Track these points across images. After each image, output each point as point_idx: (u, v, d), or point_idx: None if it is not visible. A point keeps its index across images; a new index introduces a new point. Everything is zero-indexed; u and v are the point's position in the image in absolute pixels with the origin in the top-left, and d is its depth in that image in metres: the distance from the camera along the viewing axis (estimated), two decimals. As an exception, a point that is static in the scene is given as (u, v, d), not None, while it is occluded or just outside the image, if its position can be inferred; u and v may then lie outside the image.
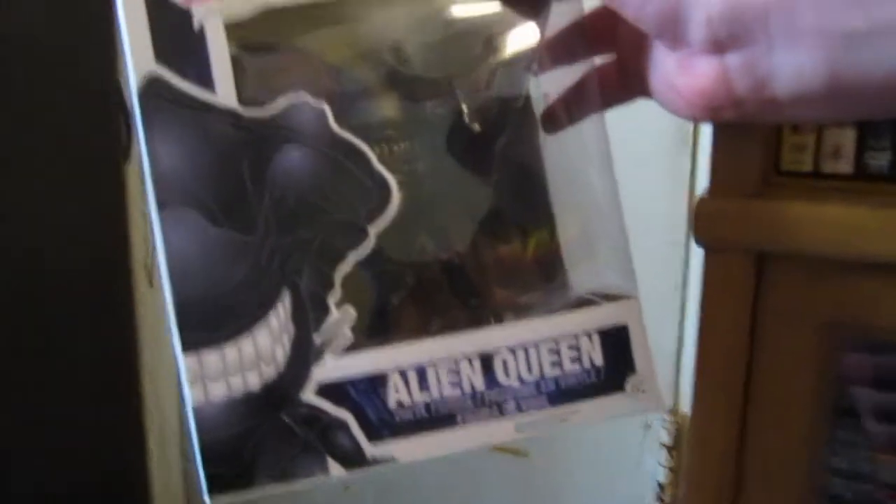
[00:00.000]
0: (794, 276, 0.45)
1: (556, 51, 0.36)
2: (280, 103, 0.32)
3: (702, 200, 0.45)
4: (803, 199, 0.44)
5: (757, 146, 0.45)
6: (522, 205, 0.37)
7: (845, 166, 0.46)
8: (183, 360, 0.31)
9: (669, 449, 1.17)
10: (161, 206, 0.31)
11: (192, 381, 0.31)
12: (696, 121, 0.30)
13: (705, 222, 0.45)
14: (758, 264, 0.45)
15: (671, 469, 1.18)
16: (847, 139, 0.46)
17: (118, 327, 1.13)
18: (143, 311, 1.17)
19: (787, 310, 0.45)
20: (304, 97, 0.32)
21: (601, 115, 0.36)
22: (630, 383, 0.33)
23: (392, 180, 0.32)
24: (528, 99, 0.37)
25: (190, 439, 0.32)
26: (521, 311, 0.34)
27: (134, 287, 1.13)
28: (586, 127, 0.36)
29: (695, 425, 0.49)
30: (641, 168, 1.05)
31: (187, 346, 0.31)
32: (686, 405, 1.16)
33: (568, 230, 0.37)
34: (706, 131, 0.91)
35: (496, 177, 0.37)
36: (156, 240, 0.32)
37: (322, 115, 0.32)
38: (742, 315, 0.46)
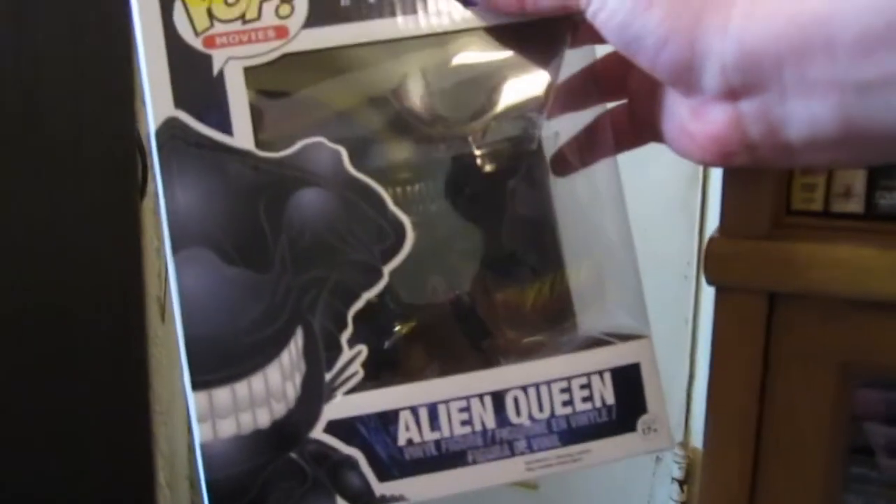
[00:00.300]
0: (807, 315, 0.45)
1: (568, 96, 0.37)
2: (296, 145, 0.32)
3: (712, 240, 0.45)
4: (814, 239, 0.44)
5: (768, 186, 0.45)
6: (533, 248, 0.38)
7: (856, 206, 0.46)
8: (193, 399, 0.31)
9: (680, 483, 1.15)
10: (177, 246, 0.32)
11: (202, 418, 0.31)
12: (709, 165, 0.30)
13: (716, 262, 0.45)
14: (770, 304, 0.45)
15: (682, 503, 1.16)
16: (857, 179, 0.46)
17: (130, 361, 1.14)
18: (155, 345, 1.17)
19: (799, 349, 0.45)
20: (320, 139, 0.33)
21: (614, 158, 0.36)
22: (642, 423, 0.33)
23: (407, 221, 0.32)
24: (539, 143, 0.37)
25: (198, 475, 0.32)
26: (531, 353, 0.34)
27: (147, 322, 1.14)
28: (598, 170, 0.36)
29: (707, 464, 0.48)
30: (652, 204, 1.06)
31: (198, 384, 0.31)
32: (697, 439, 1.15)
33: (579, 274, 0.37)
34: (717, 170, 0.92)
35: (507, 220, 0.37)
36: (170, 279, 0.32)
37: (338, 156, 0.33)
38: (754, 354, 0.46)
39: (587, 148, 0.38)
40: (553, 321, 0.36)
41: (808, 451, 0.46)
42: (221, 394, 0.31)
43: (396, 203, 0.33)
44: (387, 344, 0.33)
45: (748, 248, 0.45)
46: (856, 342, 0.44)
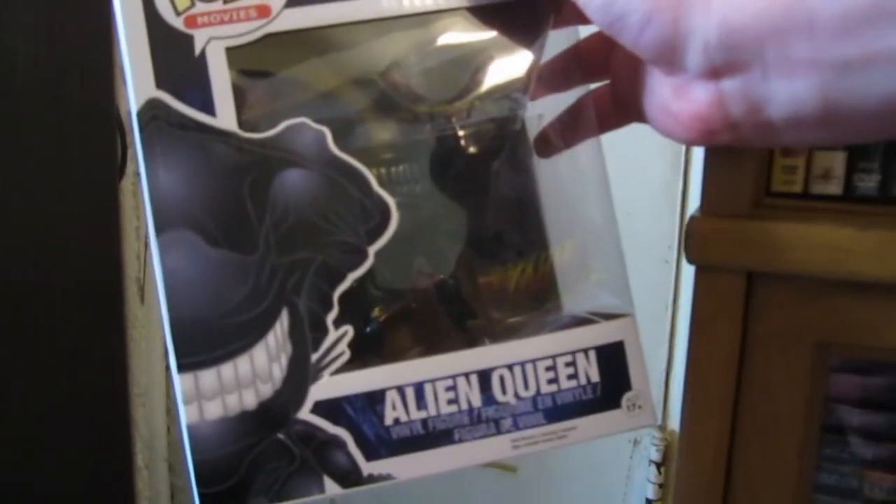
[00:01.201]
0: (784, 295, 0.45)
1: (552, 77, 0.37)
2: (279, 126, 0.32)
3: (693, 220, 0.46)
4: (793, 220, 0.45)
5: (748, 168, 0.46)
6: (518, 229, 0.38)
7: (835, 188, 0.47)
8: (179, 381, 0.31)
9: (658, 465, 1.17)
10: (160, 228, 0.31)
11: (188, 400, 0.31)
12: (692, 144, 0.30)
13: (697, 242, 0.46)
14: (748, 283, 0.46)
15: (660, 485, 1.18)
16: (837, 161, 0.46)
17: (109, 343, 1.12)
18: (134, 327, 1.16)
19: (776, 329, 0.46)
20: (304, 120, 0.32)
21: (597, 139, 0.36)
22: (626, 400, 0.33)
23: (392, 202, 0.32)
24: (523, 123, 0.37)
25: (182, 457, 0.31)
26: (516, 332, 0.34)
27: (126, 304, 1.12)
28: (582, 150, 0.36)
29: (685, 442, 0.49)
30: (634, 189, 1.06)
31: (184, 366, 0.31)
32: (675, 422, 1.16)
33: (563, 254, 0.37)
34: (699, 153, 0.93)
35: (491, 200, 0.37)
36: (153, 261, 0.32)
37: (322, 137, 0.32)
38: (732, 333, 0.47)
39: (570, 129, 0.38)
40: (537, 301, 0.37)
41: (784, 429, 0.47)
42: (207, 375, 0.31)
43: (381, 184, 0.33)
44: (369, 329, 0.33)
45: (728, 227, 0.45)
46: (832, 322, 0.45)
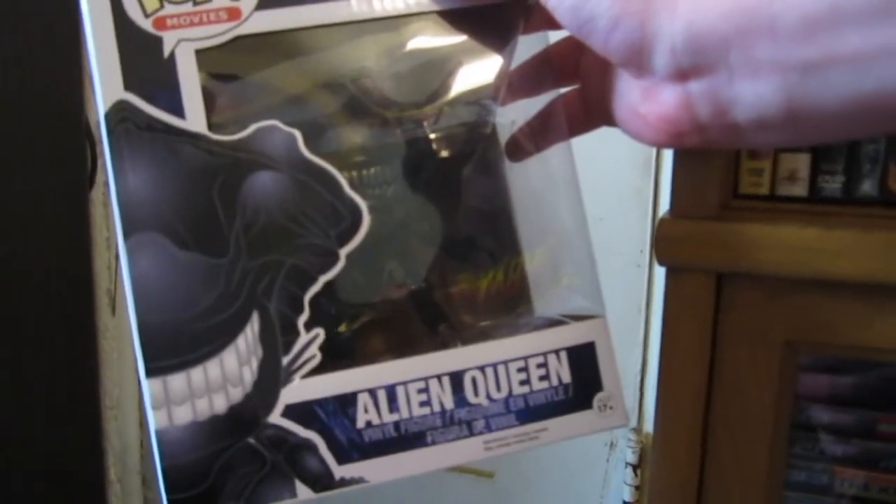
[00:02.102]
0: (753, 295, 0.46)
1: (522, 82, 0.37)
2: (250, 129, 0.32)
3: (663, 222, 0.46)
4: (760, 221, 0.45)
5: (716, 171, 0.46)
6: (490, 233, 0.38)
7: (800, 189, 0.47)
8: (147, 386, 0.30)
9: (634, 468, 1.17)
10: (128, 231, 0.31)
11: (157, 405, 0.30)
12: (661, 147, 0.31)
13: (667, 243, 0.46)
14: (718, 284, 0.46)
15: (636, 487, 1.18)
16: (802, 164, 0.47)
17: (80, 354, 1.11)
18: (105, 338, 1.15)
19: (746, 328, 0.46)
20: (274, 123, 0.32)
21: (568, 142, 0.36)
22: (598, 400, 0.33)
23: (363, 205, 0.32)
24: (494, 128, 0.37)
25: (153, 466, 0.31)
26: (488, 335, 0.34)
27: (96, 315, 1.11)
28: (552, 155, 0.36)
29: (658, 442, 0.49)
30: (605, 194, 1.07)
31: (152, 371, 0.31)
32: (650, 425, 1.17)
33: (534, 259, 0.37)
34: (669, 158, 0.93)
35: (463, 205, 0.37)
36: (122, 265, 0.31)
37: (292, 139, 0.32)
38: (703, 333, 0.47)
39: (541, 133, 0.38)
40: (508, 307, 0.37)
41: (755, 428, 0.47)
42: (176, 380, 0.31)
43: (352, 186, 0.33)
44: (344, 327, 0.33)
45: (697, 229, 0.46)
46: (801, 321, 0.46)
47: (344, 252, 0.32)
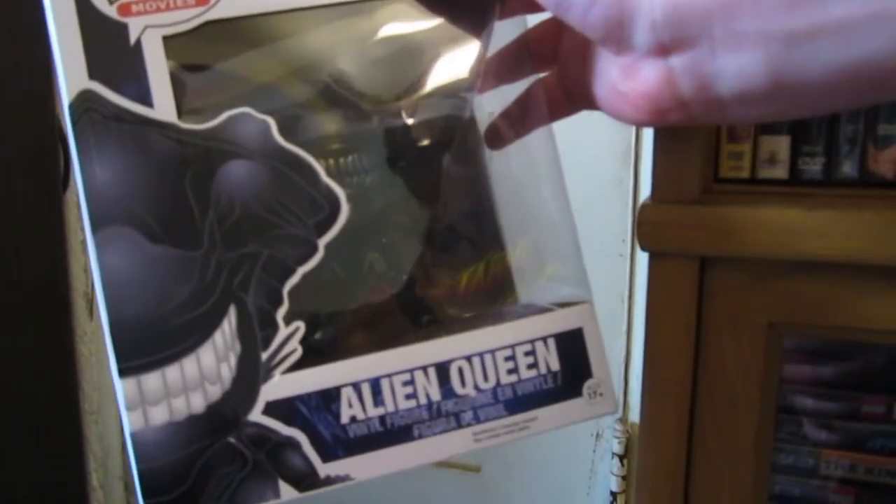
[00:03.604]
0: (736, 278, 0.45)
1: (501, 68, 0.36)
2: (221, 116, 0.30)
3: (645, 207, 0.46)
4: (742, 205, 0.45)
5: (696, 155, 0.45)
6: (472, 223, 0.37)
7: (781, 172, 0.47)
8: (121, 386, 0.29)
9: (621, 458, 1.17)
10: (97, 224, 0.29)
11: (131, 406, 0.29)
12: (644, 125, 0.29)
13: (648, 228, 0.45)
14: (701, 268, 0.46)
15: (623, 478, 1.18)
16: (782, 146, 0.47)
17: (58, 359, 1.08)
18: (84, 343, 1.12)
19: (730, 312, 0.46)
20: (247, 110, 0.31)
21: (549, 128, 0.35)
22: (587, 388, 0.32)
23: (341, 193, 0.31)
24: (472, 115, 0.36)
25: (130, 467, 0.29)
26: (474, 325, 0.33)
27: (74, 319, 1.08)
28: (534, 141, 0.35)
29: (645, 429, 0.49)
30: (585, 184, 1.06)
31: (126, 371, 0.29)
32: (636, 415, 1.17)
33: (518, 248, 0.36)
34: (648, 146, 0.93)
35: (444, 194, 0.36)
36: (90, 259, 0.30)
37: (266, 127, 0.31)
38: (687, 318, 0.46)
39: (520, 119, 0.37)
40: (493, 298, 0.35)
41: (741, 411, 0.47)
42: (151, 379, 0.29)
43: (329, 175, 0.31)
44: (326, 320, 0.31)
45: (679, 214, 0.45)
46: (784, 303, 0.45)
47: (322, 242, 0.30)
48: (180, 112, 0.30)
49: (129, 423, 0.29)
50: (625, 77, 0.29)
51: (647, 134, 0.92)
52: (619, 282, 1.11)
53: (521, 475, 1.26)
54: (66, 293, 1.07)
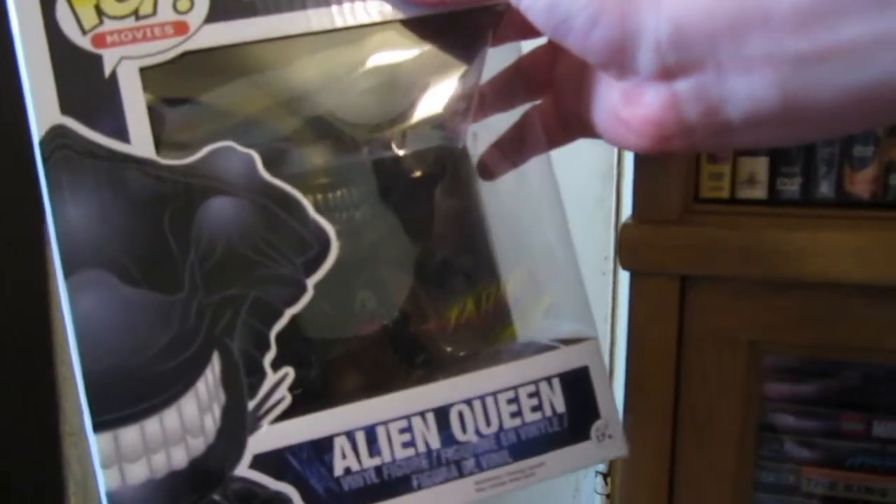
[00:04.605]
0: (717, 297, 0.45)
1: (494, 96, 0.34)
2: (202, 151, 0.28)
3: (626, 227, 0.46)
4: (722, 224, 0.45)
5: (677, 175, 0.46)
6: (465, 255, 0.34)
7: (760, 192, 0.47)
8: (95, 442, 0.26)
9: (605, 476, 1.14)
10: (69, 269, 0.27)
11: (107, 463, 0.26)
12: (645, 152, 0.27)
13: (630, 248, 0.45)
14: (682, 287, 0.46)
15: (607, 496, 1.15)
16: (760, 167, 0.47)
17: (38, 386, 1.03)
18: (63, 364, 1.07)
19: (711, 330, 0.46)
20: (229, 144, 0.28)
21: (546, 155, 0.33)
22: (595, 430, 0.29)
23: (331, 229, 0.28)
24: (464, 145, 0.34)
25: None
26: (472, 365, 0.30)
27: (54, 340, 1.04)
28: (531, 169, 0.33)
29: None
30: (567, 202, 1.04)
31: (101, 425, 0.26)
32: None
33: (513, 277, 0.34)
34: (630, 165, 0.92)
35: (436, 227, 0.34)
36: (63, 307, 0.27)
37: (250, 161, 0.28)
38: (669, 337, 0.46)
39: (516, 147, 0.35)
40: (489, 332, 0.33)
41: (722, 429, 0.46)
42: (129, 433, 0.26)
43: (318, 210, 0.29)
44: (316, 365, 0.28)
45: (660, 233, 0.45)
46: (763, 320, 0.45)
47: (311, 282, 0.28)
48: (159, 147, 0.28)
49: (104, 481, 0.26)
50: (627, 103, 0.27)
51: (629, 153, 0.91)
52: (602, 300, 1.09)
53: (504, 495, 1.23)
54: (46, 313, 1.02)
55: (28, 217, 0.99)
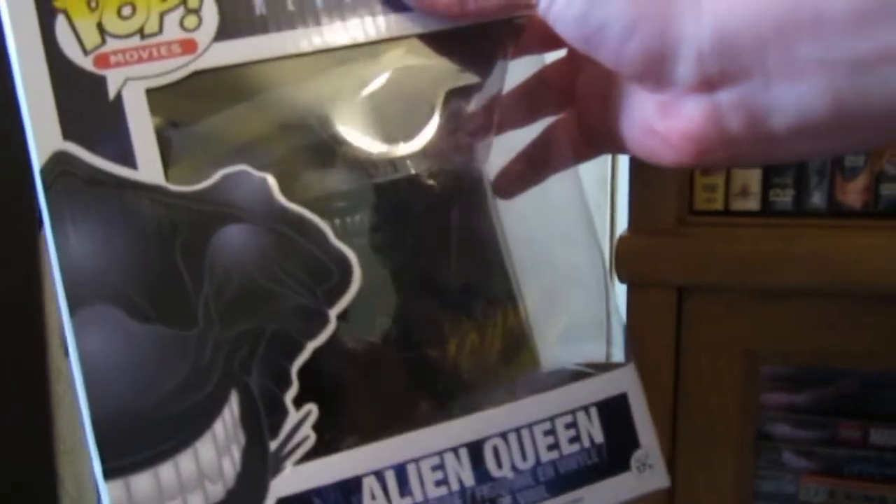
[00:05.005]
0: (713, 307, 0.46)
1: (516, 110, 0.32)
2: (215, 176, 0.26)
3: (622, 239, 0.46)
4: (716, 235, 0.46)
5: (671, 187, 0.46)
6: (485, 279, 0.32)
7: (753, 204, 0.47)
8: (106, 491, 0.24)
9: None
10: (74, 305, 0.24)
11: None
12: (681, 167, 0.26)
13: (626, 259, 0.45)
14: (678, 297, 0.46)
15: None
16: (753, 179, 0.47)
17: (32, 401, 1.00)
18: (58, 381, 1.04)
19: (708, 339, 0.46)
20: (244, 168, 0.26)
21: (574, 170, 0.31)
22: (635, 460, 0.28)
23: (352, 256, 0.26)
24: (481, 170, 0.32)
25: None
26: (496, 392, 0.28)
27: (49, 357, 1.01)
28: (554, 185, 0.31)
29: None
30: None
31: (112, 472, 0.24)
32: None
33: (532, 299, 0.32)
34: (623, 177, 0.91)
35: (456, 249, 0.32)
36: (69, 346, 0.25)
37: (265, 185, 0.26)
38: (666, 347, 0.46)
39: (539, 164, 0.33)
40: (510, 356, 0.31)
41: (722, 438, 0.46)
42: (142, 481, 0.24)
43: (337, 236, 0.27)
44: (340, 400, 0.26)
45: (656, 244, 0.45)
46: (759, 329, 0.45)
47: (333, 312, 0.26)
48: (168, 173, 0.26)
49: (117, 534, 0.24)
50: (662, 116, 0.25)
51: (623, 164, 0.90)
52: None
53: None
54: (40, 331, 0.99)
55: (22, 229, 0.96)
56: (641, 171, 0.45)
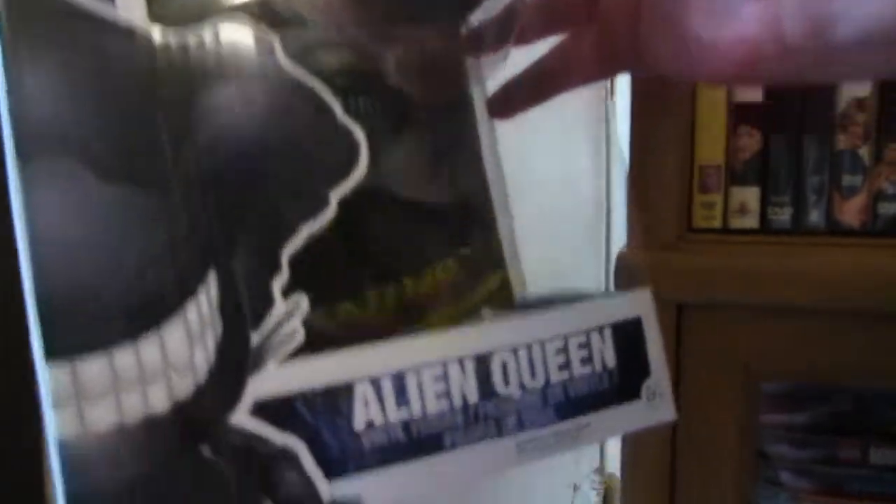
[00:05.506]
0: (712, 324, 0.45)
1: (536, 20, 0.29)
2: (210, 24, 0.22)
3: (621, 255, 0.45)
4: (715, 253, 0.45)
5: (670, 205, 0.46)
6: (478, 197, 0.30)
7: (751, 221, 0.47)
8: (47, 374, 0.19)
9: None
10: (27, 153, 0.20)
11: (60, 402, 0.19)
12: (725, 80, 0.24)
13: (625, 274, 0.45)
14: (677, 314, 0.46)
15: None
16: (751, 197, 0.47)
17: (19, 396, 0.90)
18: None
19: (707, 356, 0.45)
20: (243, 20, 0.22)
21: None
22: (646, 388, 0.25)
23: (361, 135, 0.23)
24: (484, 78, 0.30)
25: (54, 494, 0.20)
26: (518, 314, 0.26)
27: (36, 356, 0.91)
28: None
29: (627, 479, 0.47)
30: (559, 231, 1.02)
31: (56, 352, 0.19)
32: (613, 465, 1.12)
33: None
34: (620, 197, 0.91)
35: (450, 162, 0.29)
36: (13, 203, 0.20)
37: (268, 45, 0.22)
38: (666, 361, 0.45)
39: (543, 83, 0.30)
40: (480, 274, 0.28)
41: (722, 455, 0.45)
42: (93, 366, 0.20)
43: (345, 113, 0.23)
44: (336, 287, 0.23)
45: (655, 261, 0.45)
46: (757, 346, 0.45)
47: (335, 195, 0.22)
48: (153, 13, 0.22)
49: (56, 426, 0.19)
50: (711, 20, 0.23)
51: (619, 183, 0.90)
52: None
53: (497, 490, 1.18)
54: (25, 338, 0.90)
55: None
56: (639, 188, 0.45)
